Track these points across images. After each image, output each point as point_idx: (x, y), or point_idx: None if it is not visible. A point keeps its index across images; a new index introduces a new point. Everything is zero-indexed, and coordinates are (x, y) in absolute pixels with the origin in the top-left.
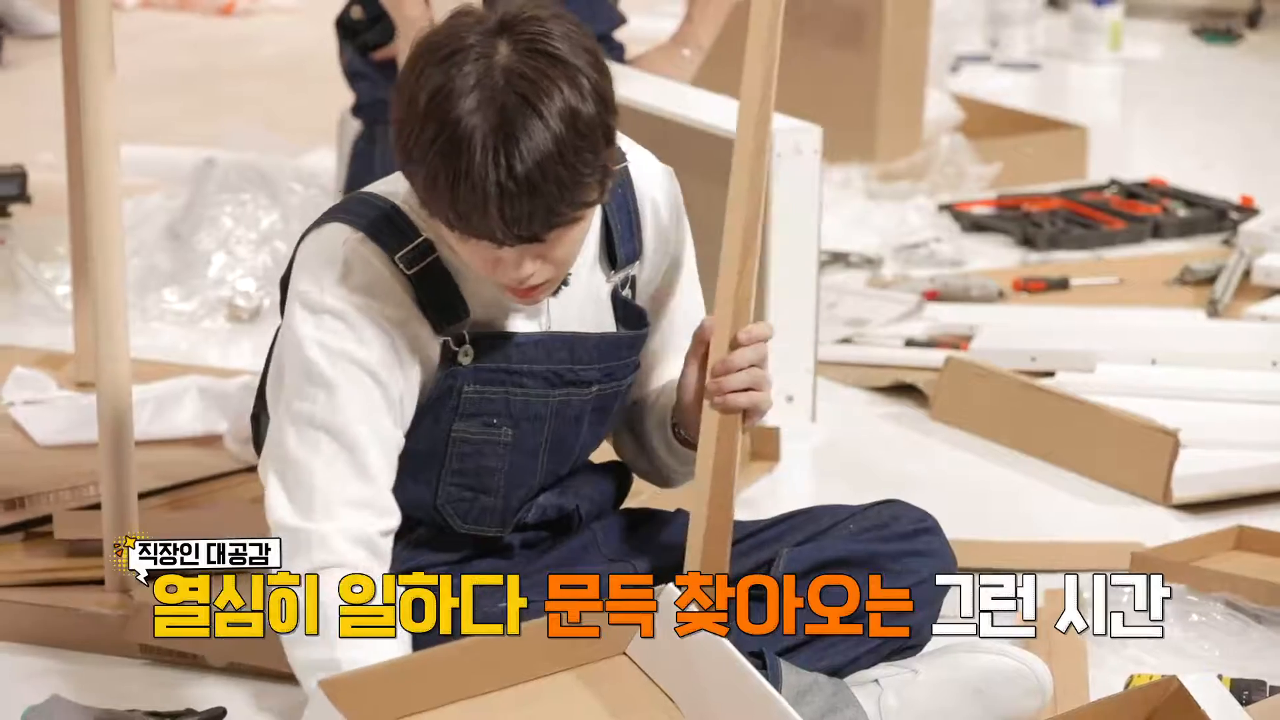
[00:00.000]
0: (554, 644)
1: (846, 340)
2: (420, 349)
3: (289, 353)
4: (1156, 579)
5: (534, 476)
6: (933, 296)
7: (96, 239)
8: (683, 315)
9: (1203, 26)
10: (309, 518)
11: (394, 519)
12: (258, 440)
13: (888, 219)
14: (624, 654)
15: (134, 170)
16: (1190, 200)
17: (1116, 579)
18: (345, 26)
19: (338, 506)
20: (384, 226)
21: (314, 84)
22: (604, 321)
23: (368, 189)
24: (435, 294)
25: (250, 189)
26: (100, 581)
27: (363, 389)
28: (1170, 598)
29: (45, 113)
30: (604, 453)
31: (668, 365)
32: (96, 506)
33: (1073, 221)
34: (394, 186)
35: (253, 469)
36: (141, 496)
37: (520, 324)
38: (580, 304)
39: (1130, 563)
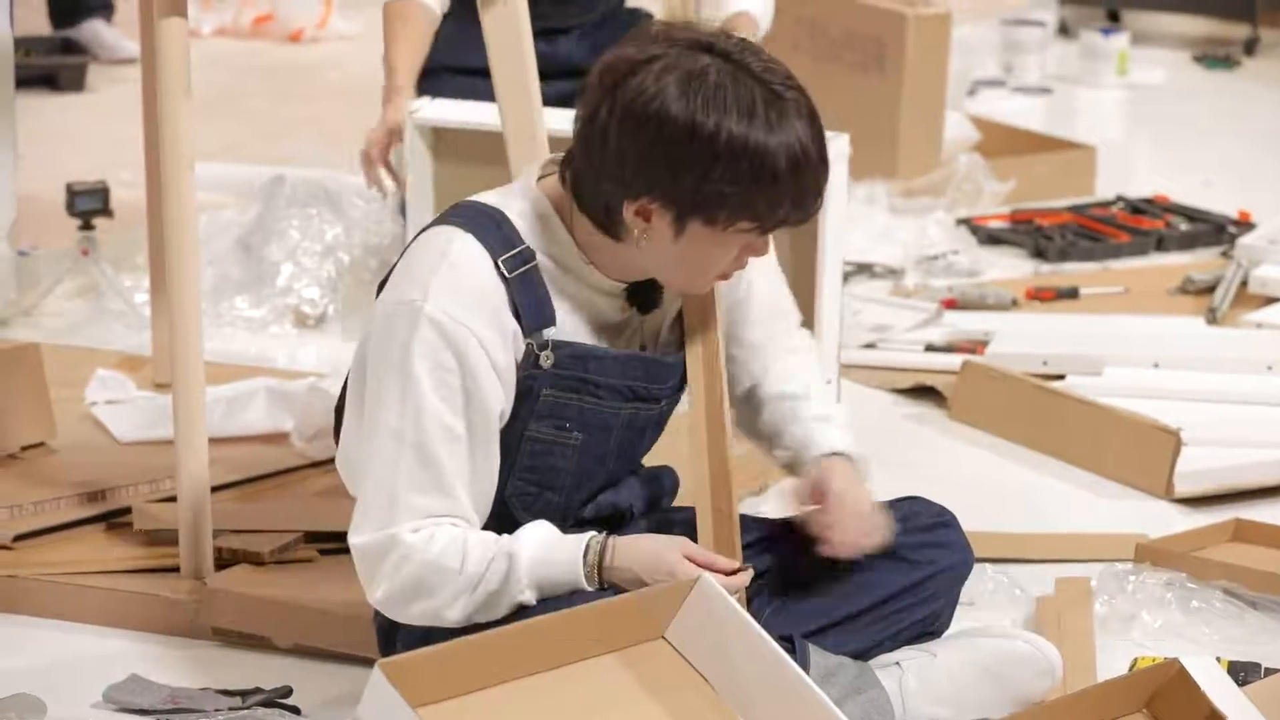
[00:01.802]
0: (597, 628)
1: (870, 345)
2: (512, 348)
3: (384, 357)
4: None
5: (597, 480)
6: (951, 305)
7: (173, 250)
8: (774, 305)
9: (1203, 54)
10: (388, 525)
11: (475, 528)
12: (338, 430)
13: (909, 232)
14: (663, 638)
15: (208, 187)
16: (1191, 215)
17: (1121, 568)
18: None
19: (418, 518)
20: (492, 231)
21: (375, 105)
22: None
23: (478, 199)
24: (530, 299)
25: (316, 204)
26: (176, 569)
27: (458, 401)
28: (1173, 586)
29: (127, 133)
30: (660, 456)
31: (772, 357)
32: (172, 499)
33: (1082, 235)
34: (501, 199)
35: (318, 464)
36: (214, 490)
37: (599, 339)
38: (659, 324)
39: (1135, 553)
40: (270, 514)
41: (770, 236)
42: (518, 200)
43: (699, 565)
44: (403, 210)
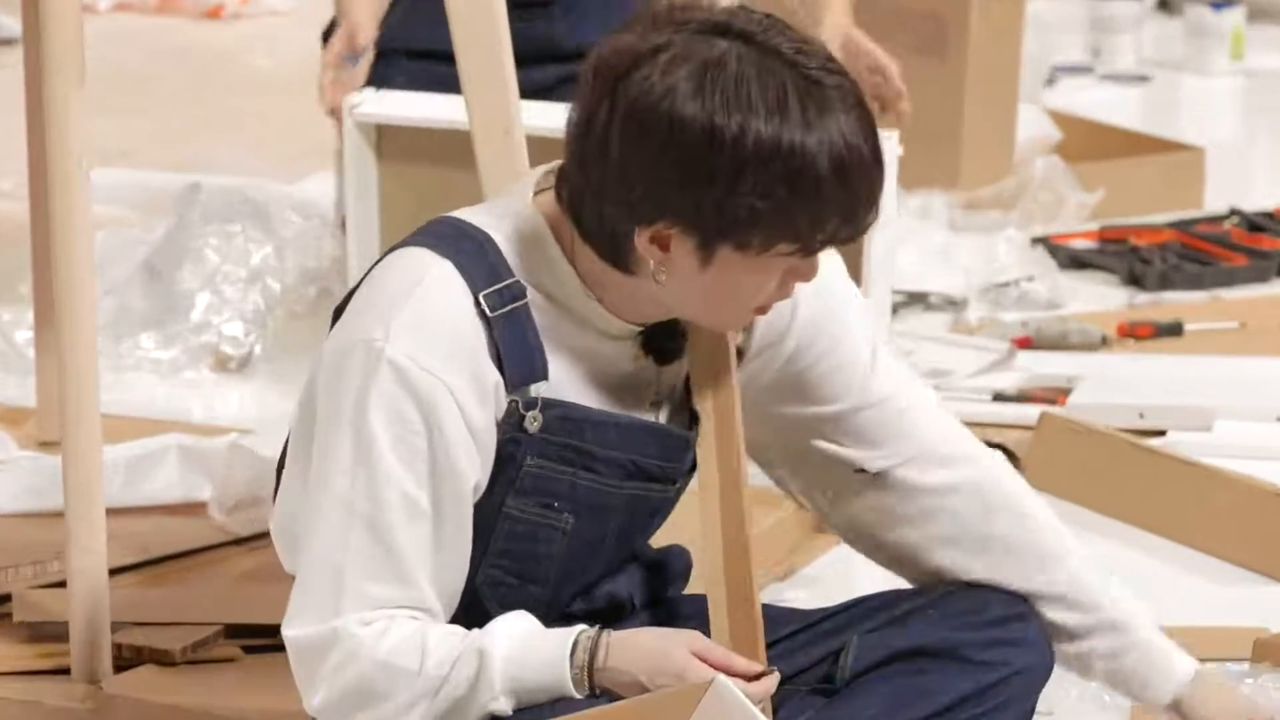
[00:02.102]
0: None
1: None
2: (491, 404)
3: (334, 408)
4: None
5: (590, 572)
6: (1025, 344)
7: (63, 276)
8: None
9: None
10: (332, 615)
11: (439, 620)
12: (278, 492)
13: (973, 254)
14: None
15: (106, 197)
16: None
17: (1238, 669)
18: (330, 33)
19: (369, 608)
20: (475, 259)
21: (313, 99)
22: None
23: (460, 216)
24: (516, 344)
25: (239, 219)
26: (66, 670)
27: (422, 468)
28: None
29: (4, 130)
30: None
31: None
32: (62, 584)
33: (1186, 257)
34: (487, 219)
35: (242, 540)
36: (113, 573)
37: (604, 397)
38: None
39: (1253, 651)
40: (182, 602)
41: (819, 256)
42: (508, 220)
43: (712, 666)
44: (343, 226)
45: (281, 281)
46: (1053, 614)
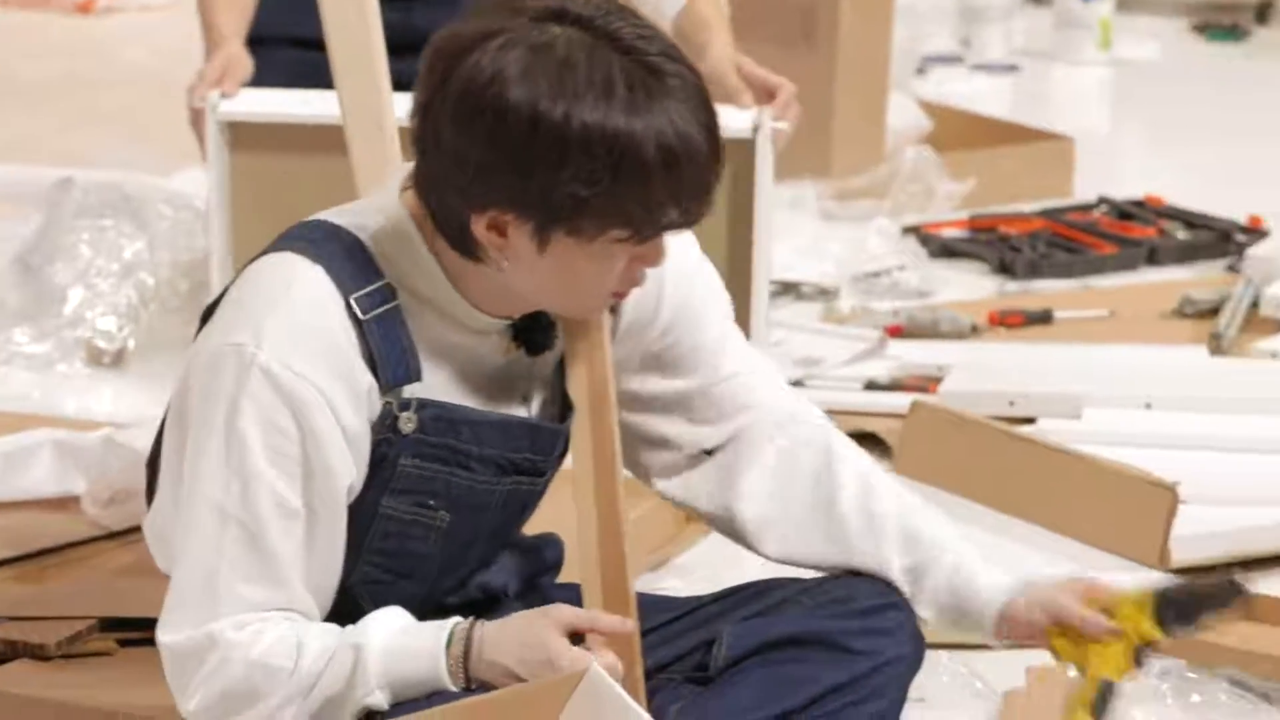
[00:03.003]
0: None
1: (798, 383)
2: (365, 408)
3: (205, 414)
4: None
5: (466, 566)
6: (896, 332)
7: None
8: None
9: (1205, 22)
10: (207, 620)
11: (314, 620)
12: (151, 489)
13: (845, 244)
14: None
15: None
16: (1190, 221)
17: None
18: None
19: (243, 610)
20: (344, 262)
21: (186, 92)
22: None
23: (327, 217)
24: (389, 347)
25: (112, 213)
26: None
27: (295, 471)
28: (1169, 675)
29: None
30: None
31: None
32: None
33: (1056, 246)
34: (355, 219)
35: (116, 535)
36: None
37: (478, 394)
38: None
39: None
40: (57, 597)
41: (666, 241)
42: (375, 220)
43: (581, 633)
44: None
45: (155, 275)
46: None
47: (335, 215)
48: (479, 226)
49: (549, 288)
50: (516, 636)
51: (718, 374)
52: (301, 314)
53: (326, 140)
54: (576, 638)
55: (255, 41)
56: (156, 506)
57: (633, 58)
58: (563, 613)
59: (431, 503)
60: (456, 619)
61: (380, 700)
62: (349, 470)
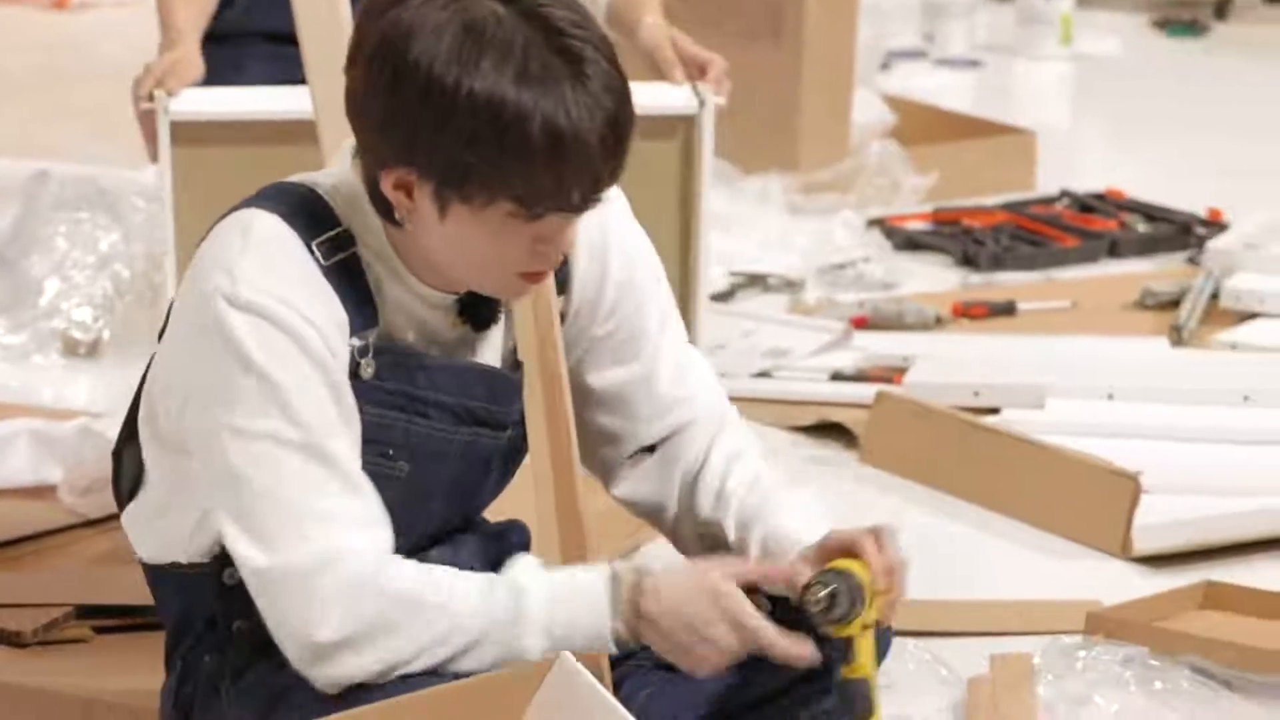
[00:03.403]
0: (444, 716)
1: (764, 374)
2: (340, 344)
3: (210, 360)
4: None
5: (428, 523)
6: (861, 324)
7: None
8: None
9: (1165, 18)
10: (302, 541)
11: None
12: (118, 480)
13: (811, 236)
14: None
15: None
16: (1151, 214)
17: (1070, 641)
18: None
19: (341, 530)
20: (299, 210)
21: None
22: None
23: (285, 179)
24: (349, 292)
25: (88, 206)
26: None
27: (322, 391)
28: (1132, 662)
29: None
30: (502, 508)
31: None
32: None
33: (1019, 238)
34: (312, 178)
35: (93, 523)
36: None
37: (431, 347)
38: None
39: (1085, 623)
40: (34, 584)
41: (578, 225)
42: (328, 180)
43: (750, 583)
44: None
45: (130, 268)
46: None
47: (288, 179)
48: (387, 184)
49: (456, 257)
50: (690, 583)
51: (657, 364)
52: (269, 249)
53: (276, 134)
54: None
55: (230, 37)
56: (150, 491)
57: (550, 38)
58: (730, 565)
59: (390, 452)
60: (616, 563)
61: (536, 649)
62: (342, 377)
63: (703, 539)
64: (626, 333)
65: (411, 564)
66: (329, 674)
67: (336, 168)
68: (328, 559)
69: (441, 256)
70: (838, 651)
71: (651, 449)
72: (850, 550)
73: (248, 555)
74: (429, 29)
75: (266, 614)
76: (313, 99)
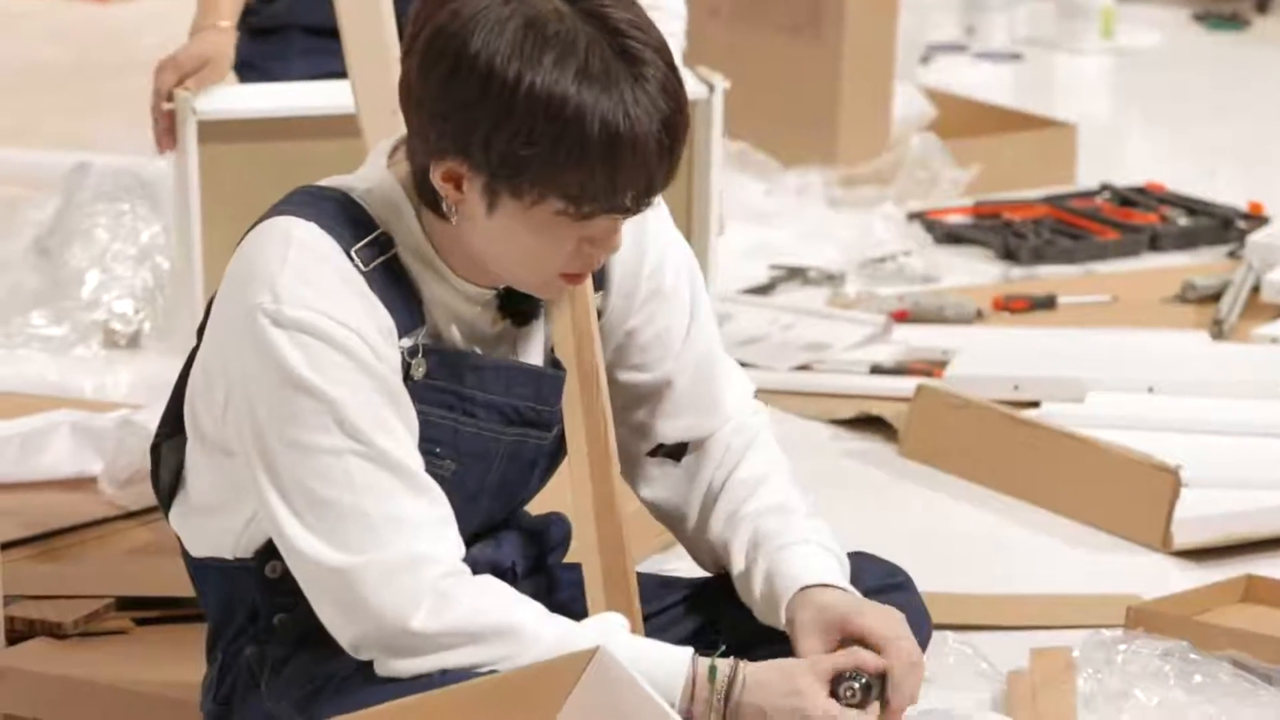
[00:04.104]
0: (481, 712)
1: (804, 367)
2: (394, 348)
3: (261, 380)
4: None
5: (471, 521)
6: (902, 317)
7: None
8: (706, 366)
9: (1206, 11)
10: (379, 547)
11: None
12: (157, 474)
13: (851, 230)
14: None
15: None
16: (1192, 207)
17: (1110, 635)
18: None
19: (412, 531)
20: (336, 216)
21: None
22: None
23: (317, 183)
24: (393, 295)
25: (129, 198)
26: None
27: (376, 398)
28: (1171, 656)
29: None
30: (543, 503)
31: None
32: None
33: (1059, 232)
34: (344, 182)
35: (133, 514)
36: (5, 547)
37: (473, 344)
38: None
39: (1126, 618)
40: (74, 576)
41: (622, 228)
42: (362, 184)
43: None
44: None
45: (170, 259)
46: None
47: (322, 181)
48: (437, 175)
49: (500, 253)
50: (779, 681)
51: (681, 366)
52: (310, 260)
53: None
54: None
55: (272, 30)
56: (195, 488)
57: (612, 39)
58: (823, 663)
59: (439, 450)
60: (707, 658)
61: None
62: (403, 389)
63: (713, 556)
64: (654, 332)
65: (501, 585)
66: (401, 665)
67: (361, 172)
68: (406, 562)
69: (484, 250)
70: None
71: (675, 455)
72: (875, 646)
73: (326, 556)
74: (491, 22)
75: (342, 606)
76: (354, 92)
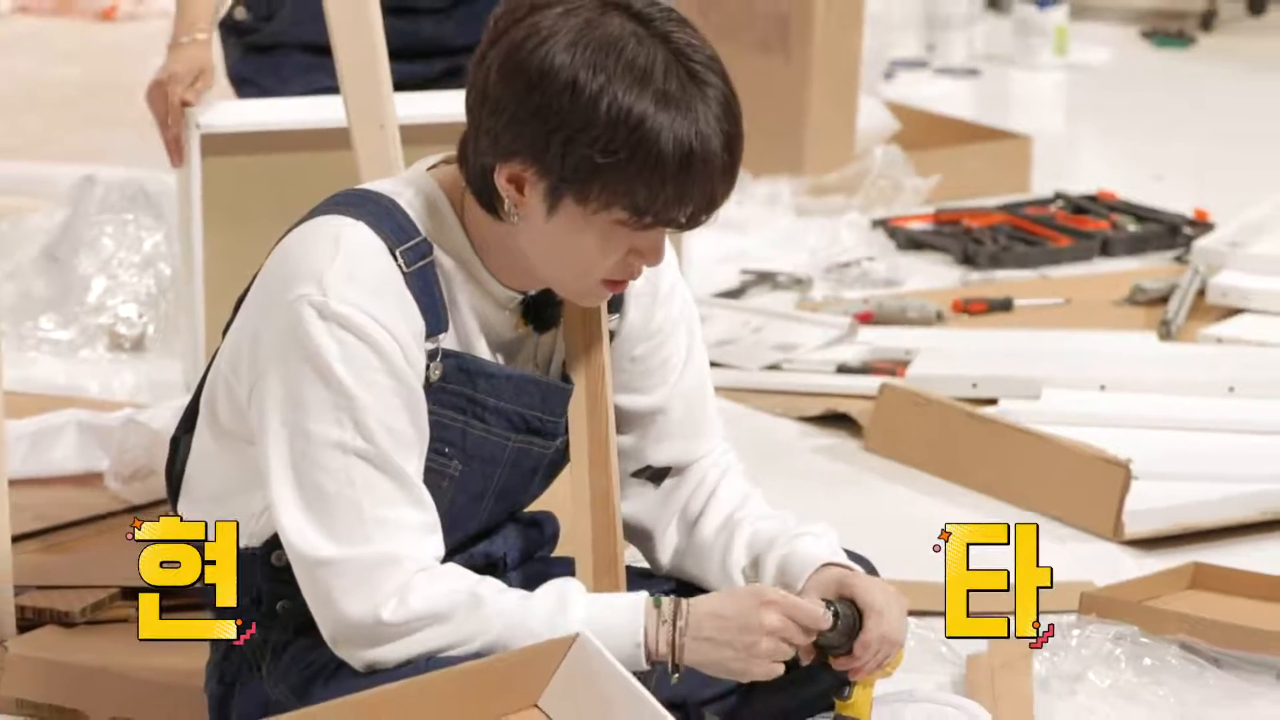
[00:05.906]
0: (465, 696)
1: (774, 367)
2: (421, 351)
3: (292, 365)
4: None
5: (473, 522)
6: (866, 319)
7: None
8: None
9: (1153, 29)
10: (364, 542)
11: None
12: (172, 465)
13: (818, 236)
14: (536, 706)
15: (7, 188)
16: (1141, 214)
17: (1064, 620)
18: (229, 28)
19: (400, 534)
20: (384, 220)
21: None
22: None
23: (363, 186)
24: (426, 298)
25: (133, 208)
26: None
27: (397, 405)
28: (1123, 640)
29: None
30: (538, 502)
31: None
32: None
33: (1016, 238)
34: (389, 186)
35: (138, 508)
36: (16, 539)
37: (494, 347)
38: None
39: (1079, 603)
40: (82, 567)
41: (664, 243)
42: (409, 188)
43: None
44: None
45: (172, 266)
46: None
47: (368, 184)
48: (500, 177)
49: (550, 255)
50: (730, 593)
51: (675, 395)
52: (356, 260)
53: (300, 142)
54: None
55: (270, 47)
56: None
57: (681, 60)
58: (767, 593)
59: (447, 450)
60: (648, 594)
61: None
62: (423, 397)
63: (701, 565)
64: (658, 360)
65: (461, 569)
66: (374, 655)
67: (407, 175)
68: (384, 560)
69: (534, 252)
70: (844, 686)
71: (656, 479)
72: (860, 598)
73: (312, 544)
74: (571, 37)
75: (320, 598)
76: (345, 105)
